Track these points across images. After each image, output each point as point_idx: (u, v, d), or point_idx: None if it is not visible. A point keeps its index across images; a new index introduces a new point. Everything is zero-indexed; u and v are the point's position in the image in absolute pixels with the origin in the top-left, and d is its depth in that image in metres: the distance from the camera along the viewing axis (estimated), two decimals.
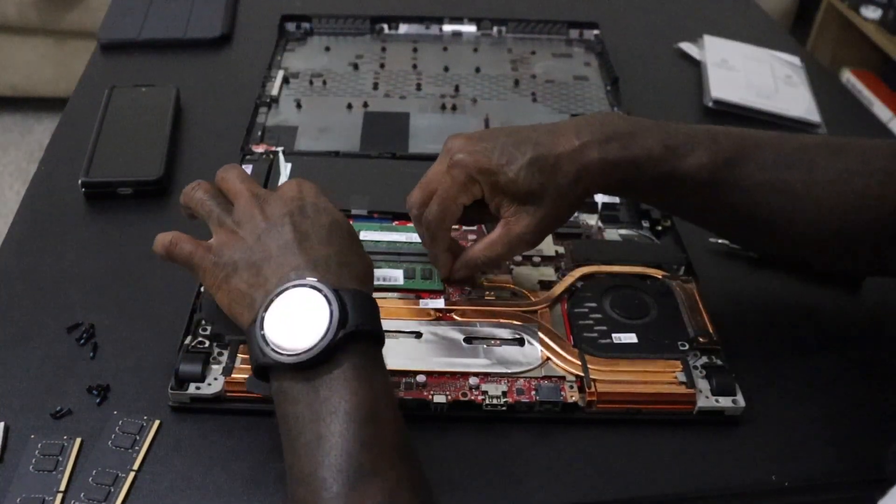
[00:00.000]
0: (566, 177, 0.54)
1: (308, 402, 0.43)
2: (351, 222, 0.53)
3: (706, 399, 0.54)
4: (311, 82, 0.87)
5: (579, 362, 0.55)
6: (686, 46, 0.99)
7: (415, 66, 0.91)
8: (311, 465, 0.41)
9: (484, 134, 0.56)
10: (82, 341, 0.57)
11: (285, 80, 0.86)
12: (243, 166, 0.72)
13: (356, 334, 0.44)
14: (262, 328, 0.45)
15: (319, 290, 0.44)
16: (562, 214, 0.57)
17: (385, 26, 0.97)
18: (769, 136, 0.58)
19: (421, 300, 0.60)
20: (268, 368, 0.45)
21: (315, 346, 0.43)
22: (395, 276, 0.61)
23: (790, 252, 0.61)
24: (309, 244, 0.48)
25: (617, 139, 0.55)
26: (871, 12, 1.97)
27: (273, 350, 0.44)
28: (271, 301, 0.45)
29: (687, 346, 0.57)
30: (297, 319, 0.44)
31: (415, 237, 0.64)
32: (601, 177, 0.55)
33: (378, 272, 0.61)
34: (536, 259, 0.64)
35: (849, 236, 0.56)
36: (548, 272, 0.63)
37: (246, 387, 0.51)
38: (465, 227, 0.67)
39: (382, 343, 0.47)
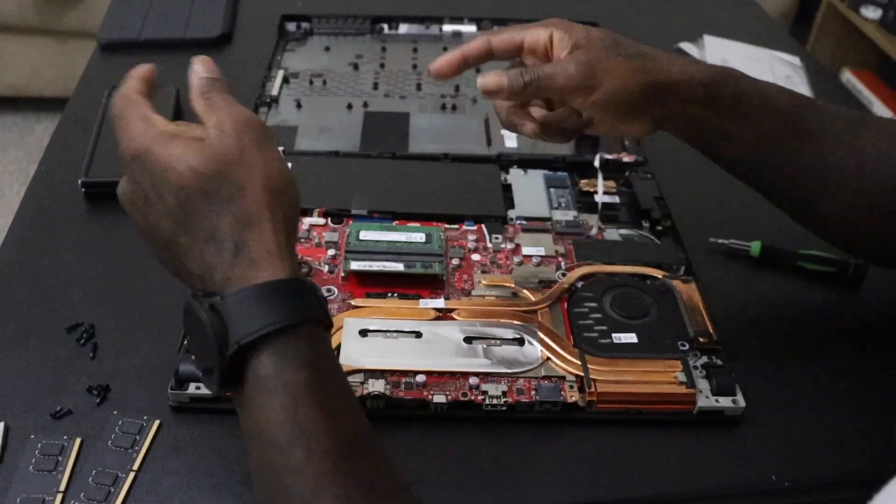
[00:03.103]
0: (642, 50, 0.54)
1: (241, 418, 0.41)
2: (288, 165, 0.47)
3: (706, 399, 0.54)
4: (311, 82, 0.87)
5: (579, 362, 0.55)
6: (686, 46, 0.99)
7: (415, 66, 0.91)
8: (271, 486, 0.39)
9: None
10: (82, 341, 0.57)
11: (285, 80, 0.86)
12: None
13: (252, 344, 0.39)
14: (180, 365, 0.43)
15: (194, 314, 0.40)
16: (618, 72, 0.53)
17: (385, 26, 0.97)
18: (831, 105, 0.58)
19: (421, 300, 0.60)
20: None
21: (214, 376, 0.39)
22: (396, 266, 0.61)
23: (841, 223, 0.58)
24: (181, 251, 0.42)
25: (704, 62, 0.56)
26: (871, 12, 1.97)
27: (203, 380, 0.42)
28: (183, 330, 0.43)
29: (687, 346, 0.57)
30: (200, 350, 0.41)
31: (415, 237, 0.64)
32: (679, 69, 0.54)
33: (377, 264, 0.61)
34: (536, 259, 0.64)
35: None
36: (548, 272, 0.63)
37: None
38: (464, 227, 0.67)
39: (319, 326, 0.41)
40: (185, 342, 0.55)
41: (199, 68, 0.48)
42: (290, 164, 0.70)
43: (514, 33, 0.57)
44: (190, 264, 0.42)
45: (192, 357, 0.42)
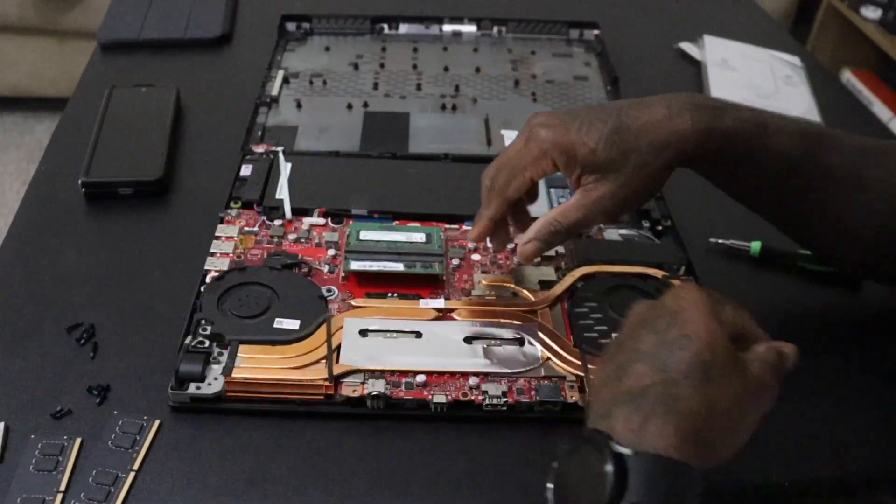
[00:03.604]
0: (651, 145, 0.53)
1: None
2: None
3: None
4: (311, 82, 0.87)
5: (579, 362, 0.55)
6: (686, 46, 0.99)
7: (415, 66, 0.91)
8: None
9: (569, 110, 0.56)
10: (82, 341, 0.57)
11: (285, 80, 0.86)
12: (243, 166, 0.72)
13: None
14: (549, 481, 0.40)
15: (599, 449, 0.38)
16: (643, 185, 0.54)
17: (385, 26, 0.97)
18: (843, 132, 0.58)
19: (421, 300, 0.60)
20: None
21: None
22: (396, 266, 0.61)
23: (850, 255, 0.59)
24: (629, 373, 0.41)
25: (708, 110, 0.54)
26: (871, 12, 1.97)
27: None
28: (553, 469, 0.40)
29: None
30: (579, 483, 0.39)
31: (415, 237, 0.64)
32: (690, 146, 0.53)
33: (377, 264, 0.61)
34: (536, 259, 0.64)
35: None
36: (548, 272, 0.63)
37: None
38: (465, 227, 0.67)
39: None
40: (186, 342, 0.55)
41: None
42: (290, 165, 0.71)
43: (523, 179, 0.56)
44: (619, 388, 0.41)
45: (556, 486, 0.39)
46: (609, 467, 0.37)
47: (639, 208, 0.58)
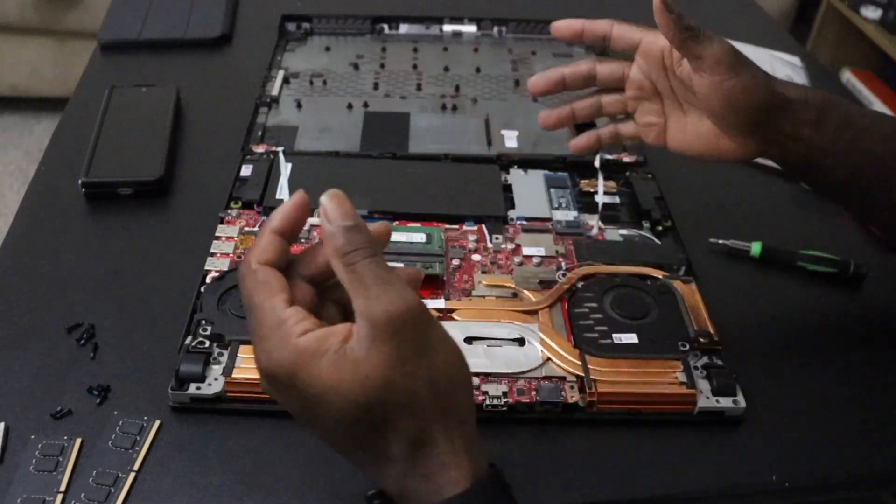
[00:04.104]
0: (762, 70, 0.54)
1: None
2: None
3: (706, 399, 0.54)
4: (311, 82, 0.87)
5: (580, 362, 0.55)
6: None
7: (415, 66, 0.91)
8: None
9: None
10: (82, 341, 0.57)
11: (285, 80, 0.86)
12: (243, 166, 0.72)
13: None
14: None
15: None
16: (753, 85, 0.53)
17: (385, 26, 0.97)
18: None
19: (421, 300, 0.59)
20: None
21: None
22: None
23: None
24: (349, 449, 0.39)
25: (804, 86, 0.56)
26: (871, 12, 1.97)
27: None
28: None
29: (687, 347, 0.57)
30: None
31: (415, 237, 0.64)
32: (796, 92, 0.54)
33: None
34: (537, 259, 0.64)
35: None
36: (548, 272, 0.63)
37: None
38: (465, 227, 0.67)
39: None
40: (186, 342, 0.55)
41: (334, 213, 0.38)
42: (290, 165, 0.71)
43: (632, 33, 0.58)
44: (367, 468, 0.40)
45: None
46: None
47: (716, 115, 0.55)
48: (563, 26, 0.59)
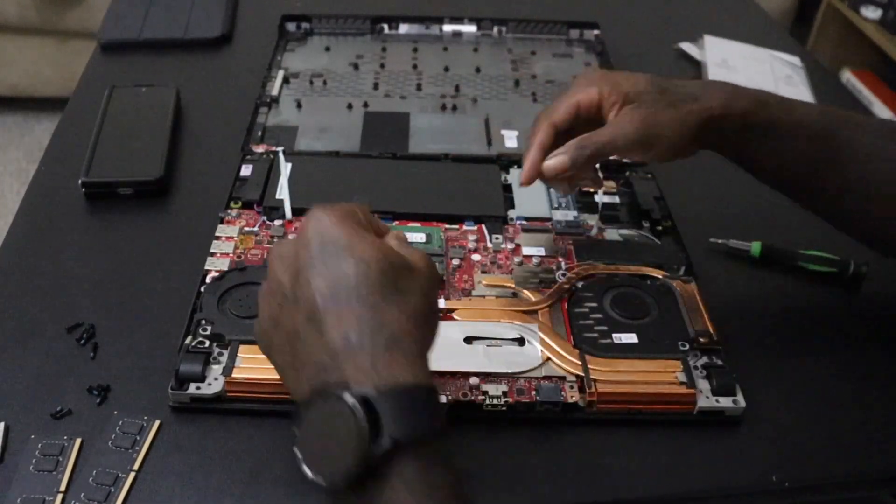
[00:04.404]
0: (685, 92, 0.57)
1: None
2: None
3: (706, 399, 0.54)
4: (311, 82, 0.87)
5: (579, 362, 0.55)
6: (686, 46, 0.99)
7: (415, 66, 0.91)
8: None
9: None
10: (82, 341, 0.57)
11: (285, 80, 0.86)
12: (243, 166, 0.72)
13: (401, 445, 0.36)
14: (297, 453, 0.38)
15: (341, 399, 0.37)
16: (670, 127, 0.56)
17: (385, 26, 0.97)
18: (861, 115, 0.61)
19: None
20: None
21: (347, 472, 0.36)
22: None
23: (884, 231, 0.59)
24: (336, 312, 0.39)
25: (734, 86, 0.59)
26: (871, 12, 1.97)
27: (314, 477, 0.38)
28: (300, 415, 0.39)
29: (687, 346, 0.57)
30: (328, 442, 0.37)
31: (415, 237, 0.64)
32: (720, 104, 0.57)
33: None
34: (536, 259, 0.64)
35: None
36: (548, 272, 0.63)
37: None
38: (465, 227, 0.67)
39: (445, 437, 0.39)
40: (186, 342, 0.55)
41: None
42: (290, 165, 0.71)
43: (569, 103, 0.58)
44: (327, 344, 0.39)
45: (303, 451, 0.38)
46: (360, 413, 0.36)
47: (663, 156, 0.58)
48: (531, 174, 0.58)
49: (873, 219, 0.59)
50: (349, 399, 0.36)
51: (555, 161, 0.56)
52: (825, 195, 0.60)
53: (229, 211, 0.67)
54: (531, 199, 0.70)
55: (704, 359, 0.56)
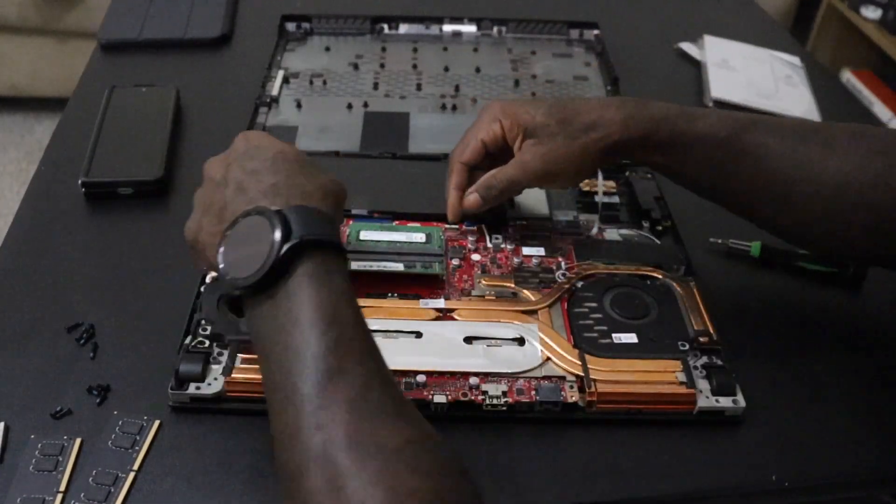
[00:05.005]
0: (582, 122, 0.60)
1: (272, 315, 0.43)
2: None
3: (706, 399, 0.54)
4: (311, 82, 0.87)
5: (579, 362, 0.55)
6: (686, 46, 0.99)
7: (415, 66, 0.91)
8: (282, 375, 0.42)
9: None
10: (82, 341, 0.57)
11: (285, 80, 0.86)
12: None
13: (305, 245, 0.44)
14: (220, 263, 0.45)
15: (262, 214, 0.45)
16: (572, 157, 0.60)
17: (385, 26, 0.97)
18: (786, 118, 0.62)
19: (421, 300, 0.60)
20: (240, 300, 0.46)
21: (263, 264, 0.43)
22: (396, 266, 0.61)
23: (800, 229, 0.59)
24: (257, 178, 0.48)
25: (636, 103, 0.61)
26: (871, 12, 1.97)
27: (232, 279, 0.45)
28: (224, 237, 0.46)
29: (687, 346, 0.57)
30: (249, 247, 0.45)
31: (415, 237, 0.64)
32: (616, 129, 0.59)
33: (377, 265, 0.61)
34: (536, 259, 0.64)
35: (866, 216, 0.55)
36: (548, 272, 0.63)
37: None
38: (465, 227, 0.67)
39: (342, 251, 0.46)
40: (186, 342, 0.55)
41: None
42: None
43: (475, 142, 0.63)
44: (251, 200, 0.47)
45: (226, 261, 0.45)
46: (274, 218, 0.44)
47: (570, 184, 0.65)
48: (455, 213, 0.65)
49: (788, 220, 0.58)
50: (267, 211, 0.45)
51: (470, 200, 0.63)
52: (738, 199, 0.60)
53: None
54: (531, 199, 0.70)
55: (704, 359, 0.56)
